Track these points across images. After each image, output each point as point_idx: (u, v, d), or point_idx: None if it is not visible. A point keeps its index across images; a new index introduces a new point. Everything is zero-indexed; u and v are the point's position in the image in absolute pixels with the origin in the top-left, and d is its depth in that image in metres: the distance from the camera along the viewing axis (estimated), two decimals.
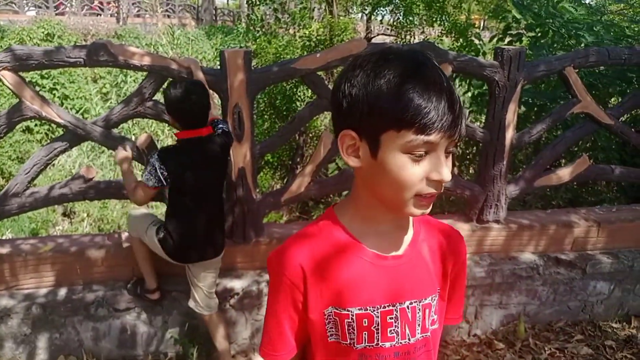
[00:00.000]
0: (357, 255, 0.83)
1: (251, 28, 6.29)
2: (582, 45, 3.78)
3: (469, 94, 4.84)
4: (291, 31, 6.80)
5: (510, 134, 2.79)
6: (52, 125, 6.30)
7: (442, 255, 0.91)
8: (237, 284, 2.60)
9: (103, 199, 2.71)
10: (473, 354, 2.70)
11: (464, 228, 2.86)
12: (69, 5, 26.90)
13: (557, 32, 3.96)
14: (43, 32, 13.89)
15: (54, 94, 9.74)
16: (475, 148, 5.07)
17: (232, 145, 2.42)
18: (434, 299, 0.88)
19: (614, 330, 2.91)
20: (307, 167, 2.67)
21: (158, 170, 2.05)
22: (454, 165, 4.92)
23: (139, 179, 2.19)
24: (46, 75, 9.50)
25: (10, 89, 2.36)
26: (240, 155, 2.53)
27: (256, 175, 2.69)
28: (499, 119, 2.75)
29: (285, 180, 6.95)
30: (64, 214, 8.12)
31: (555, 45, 4.08)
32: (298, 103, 6.34)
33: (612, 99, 4.24)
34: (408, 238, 0.87)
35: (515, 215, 3.03)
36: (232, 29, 26.52)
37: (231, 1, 56.44)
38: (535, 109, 4.18)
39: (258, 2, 6.51)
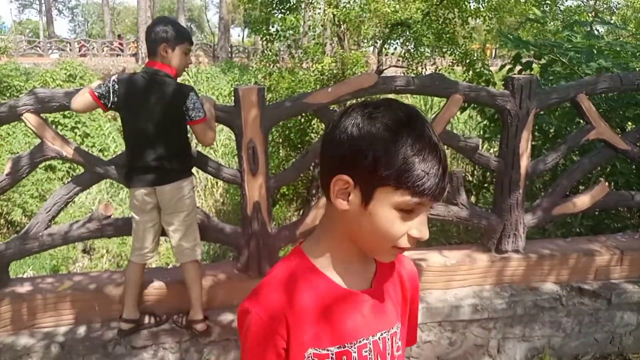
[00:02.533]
0: (332, 294, 0.84)
1: (265, 64, 6.45)
2: (589, 72, 3.78)
3: (483, 123, 4.87)
4: (304, 65, 6.94)
5: (524, 162, 2.77)
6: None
7: (401, 282, 0.95)
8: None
9: (121, 235, 2.74)
10: None
11: (482, 259, 2.82)
12: (90, 47, 27.99)
13: (561, 61, 3.99)
14: (65, 74, 14.44)
15: (75, 132, 10.03)
16: (490, 177, 5.05)
17: (246, 179, 2.46)
18: (398, 327, 0.92)
19: None
20: (322, 200, 2.67)
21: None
22: (471, 194, 4.90)
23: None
24: (68, 115, 9.81)
25: (32, 130, 2.44)
26: (255, 189, 2.55)
27: (271, 209, 2.70)
28: (513, 148, 2.74)
29: (302, 212, 6.96)
30: (84, 251, 8.22)
31: (562, 72, 4.09)
32: (313, 135, 6.42)
33: (629, 124, 4.21)
34: (372, 272, 0.91)
35: (535, 245, 2.98)
36: (246, 65, 27.21)
37: (246, 39, 58.19)
38: (551, 135, 4.16)
39: (272, 39, 6.68)
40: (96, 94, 2.24)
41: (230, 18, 31.53)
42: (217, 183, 10.08)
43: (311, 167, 6.29)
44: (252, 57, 33.11)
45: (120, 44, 29.77)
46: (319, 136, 7.14)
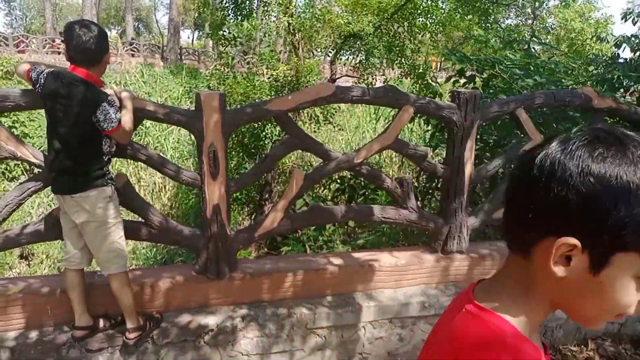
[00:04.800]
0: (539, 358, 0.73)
1: (221, 69, 6.46)
2: (527, 87, 4.13)
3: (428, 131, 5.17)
4: (259, 72, 7.01)
5: (469, 170, 2.99)
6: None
7: None
8: (211, 320, 2.62)
9: None
10: None
11: (429, 259, 3.01)
12: (30, 43, 26.64)
13: (501, 76, 4.32)
14: (2, 70, 13.74)
15: (13, 132, 9.60)
16: (435, 182, 5.35)
17: (206, 182, 2.51)
18: None
19: (573, 353, 3.07)
20: (280, 203, 2.77)
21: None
22: (417, 199, 5.15)
23: None
24: (6, 115, 9.35)
25: None
26: (215, 192, 2.61)
27: (230, 212, 2.77)
28: (458, 156, 2.95)
29: (254, 216, 6.99)
30: (21, 256, 7.85)
31: (502, 87, 4.42)
32: (266, 141, 6.48)
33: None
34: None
35: (476, 246, 3.20)
36: (197, 68, 26.81)
37: (196, 41, 57.19)
38: (491, 144, 4.48)
39: (228, 44, 6.70)
40: (31, 76, 2.23)
41: (180, 20, 30.96)
42: (164, 187, 9.91)
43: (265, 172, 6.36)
44: (202, 60, 32.75)
45: (62, 41, 28.51)
46: (272, 142, 7.23)
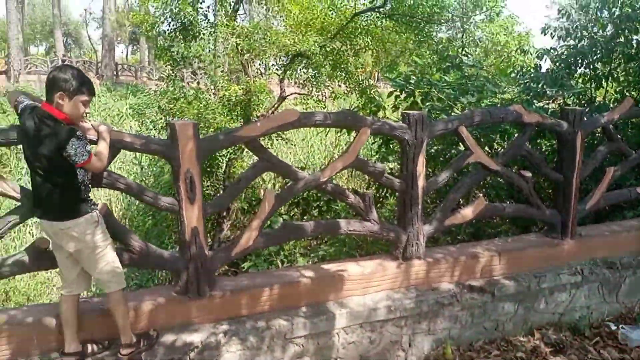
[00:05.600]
0: None
1: (172, 89, 6.52)
2: (461, 105, 4.61)
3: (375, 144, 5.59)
4: (209, 90, 7.13)
5: (421, 182, 3.31)
6: None
7: None
8: (195, 338, 2.75)
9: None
10: None
11: (392, 266, 3.29)
12: None
13: (438, 96, 4.80)
14: None
15: None
16: (384, 191, 5.74)
17: (184, 206, 2.68)
18: None
19: (522, 343, 3.45)
20: (254, 222, 2.96)
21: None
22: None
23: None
24: None
25: None
26: (192, 215, 2.76)
27: (206, 233, 2.92)
28: (411, 171, 3.27)
29: (213, 234, 7.07)
30: None
31: (439, 105, 4.88)
32: (221, 159, 6.61)
33: (497, 146, 5.11)
34: None
35: (431, 251, 3.53)
36: (135, 84, 26.14)
37: (130, 56, 55.63)
38: (432, 154, 4.91)
39: (175, 64, 6.78)
40: (18, 108, 2.39)
41: (115, 35, 30.13)
42: (112, 210, 9.79)
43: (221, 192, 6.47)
44: (139, 76, 32.03)
45: None
46: (226, 160, 7.35)
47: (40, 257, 2.57)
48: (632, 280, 3.89)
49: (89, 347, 2.59)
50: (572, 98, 5.90)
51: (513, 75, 7.29)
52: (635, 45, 5.68)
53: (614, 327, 3.62)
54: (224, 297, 2.91)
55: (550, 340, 3.43)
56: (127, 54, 56.41)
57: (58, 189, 2.34)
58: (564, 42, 6.49)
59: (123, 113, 18.15)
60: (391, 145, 5.57)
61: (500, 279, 3.52)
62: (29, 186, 2.48)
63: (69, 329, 2.52)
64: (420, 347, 3.29)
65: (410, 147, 3.24)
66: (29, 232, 9.91)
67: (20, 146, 2.44)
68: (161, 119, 6.77)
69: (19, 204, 2.54)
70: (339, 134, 11.38)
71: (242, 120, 6.84)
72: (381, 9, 8.10)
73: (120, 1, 36.47)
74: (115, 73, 28.53)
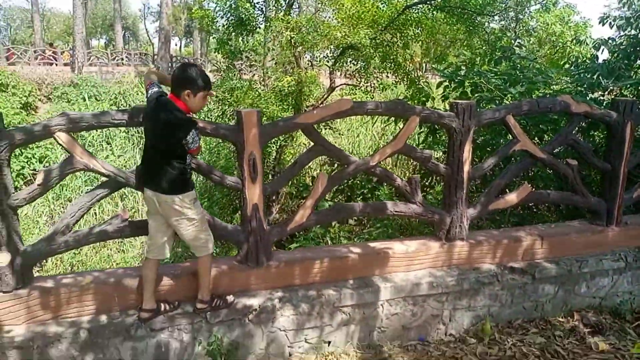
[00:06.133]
0: None
1: (229, 79, 6.91)
2: (510, 95, 4.68)
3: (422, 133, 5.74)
4: (264, 81, 7.48)
5: (467, 168, 3.48)
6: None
7: None
8: (254, 302, 3.08)
9: (138, 235, 3.14)
10: (451, 350, 3.28)
11: (435, 246, 3.49)
12: (20, 54, 26.81)
13: (486, 87, 4.90)
14: None
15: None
16: (431, 179, 5.89)
17: (247, 186, 2.99)
18: None
19: (561, 323, 3.58)
20: (308, 201, 3.24)
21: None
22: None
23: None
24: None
25: (63, 147, 2.83)
26: (254, 193, 3.07)
27: (266, 210, 3.23)
28: (458, 157, 3.44)
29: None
30: None
31: (488, 95, 4.97)
32: (272, 146, 6.94)
33: (545, 136, 5.15)
34: None
35: (475, 234, 3.70)
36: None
37: (183, 48, 57.47)
38: (480, 144, 5.02)
39: (233, 57, 7.16)
40: (148, 92, 2.80)
41: (171, 28, 31.29)
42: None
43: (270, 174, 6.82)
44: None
45: (54, 52, 28.74)
46: (276, 147, 7.69)
47: (126, 227, 2.97)
48: None
49: (162, 305, 2.96)
50: (629, 89, 5.80)
51: (567, 66, 7.20)
52: None
53: None
54: (279, 267, 3.21)
55: (590, 322, 3.53)
56: (180, 47, 58.27)
57: (170, 168, 2.72)
58: (623, 32, 6.37)
59: None
60: (437, 135, 5.72)
61: (542, 262, 3.64)
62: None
63: (148, 289, 2.90)
64: (460, 322, 3.48)
65: (457, 134, 3.41)
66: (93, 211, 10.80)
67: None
68: (219, 107, 7.18)
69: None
70: (384, 124, 11.53)
71: (293, 109, 7.15)
72: (433, 1, 8.17)
73: None
74: (170, 65, 29.66)
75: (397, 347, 3.31)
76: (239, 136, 3.00)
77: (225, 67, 7.40)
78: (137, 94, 17.31)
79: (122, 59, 30.82)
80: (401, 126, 3.42)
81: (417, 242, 3.54)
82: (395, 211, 3.43)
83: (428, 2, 8.17)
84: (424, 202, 3.51)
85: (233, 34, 6.92)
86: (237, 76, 7.01)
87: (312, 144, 3.29)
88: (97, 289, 2.94)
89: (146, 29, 46.25)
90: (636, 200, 4.05)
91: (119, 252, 10.01)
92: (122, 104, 17.25)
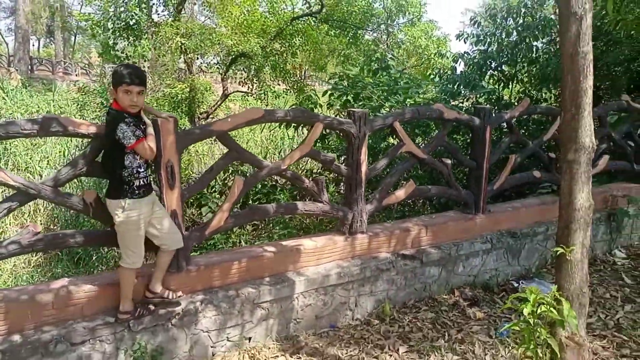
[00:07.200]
0: None
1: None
2: (389, 105, 5.33)
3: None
4: (154, 88, 7.35)
5: (364, 169, 3.92)
6: None
7: None
8: (176, 307, 3.17)
9: (50, 249, 3.05)
10: (358, 332, 3.68)
11: (340, 240, 3.89)
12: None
13: (369, 97, 5.50)
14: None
15: None
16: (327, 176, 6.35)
17: (165, 192, 3.10)
18: None
19: (445, 300, 4.19)
20: (225, 205, 3.42)
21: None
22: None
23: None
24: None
25: None
26: (172, 199, 3.17)
27: (184, 216, 3.34)
28: (356, 159, 3.87)
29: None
30: None
31: (372, 105, 5.56)
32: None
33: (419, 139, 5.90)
34: None
35: (372, 227, 4.17)
36: (52, 80, 24.84)
37: (42, 49, 52.14)
38: (371, 152, 5.60)
39: (117, 61, 6.93)
40: None
41: (30, 27, 28.33)
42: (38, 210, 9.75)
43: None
44: (56, 71, 30.34)
45: None
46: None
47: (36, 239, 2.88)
48: (530, 247, 4.79)
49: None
50: (483, 97, 6.85)
51: (432, 76, 8.20)
52: (535, 50, 6.71)
53: (516, 285, 4.47)
54: (199, 270, 3.34)
55: (467, 296, 4.20)
56: (39, 47, 52.82)
57: (113, 173, 2.83)
58: (475, 47, 7.45)
59: (42, 109, 17.39)
60: (326, 140, 6.21)
61: (427, 248, 4.23)
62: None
63: (127, 293, 3.02)
64: (365, 307, 3.91)
65: (355, 139, 3.84)
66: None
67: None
68: (103, 115, 6.89)
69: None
70: (272, 131, 11.89)
71: (186, 116, 7.15)
72: (317, 15, 8.71)
73: None
74: (30, 68, 26.93)
75: (312, 336, 3.63)
76: (156, 144, 3.08)
77: (110, 73, 7.11)
78: None
79: None
80: (306, 133, 3.75)
81: (325, 238, 3.90)
82: (306, 210, 3.75)
83: (313, 15, 8.70)
84: (330, 201, 3.88)
85: (119, 38, 6.72)
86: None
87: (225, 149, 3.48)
88: (9, 307, 2.82)
89: None
90: (497, 191, 4.86)
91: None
92: None
